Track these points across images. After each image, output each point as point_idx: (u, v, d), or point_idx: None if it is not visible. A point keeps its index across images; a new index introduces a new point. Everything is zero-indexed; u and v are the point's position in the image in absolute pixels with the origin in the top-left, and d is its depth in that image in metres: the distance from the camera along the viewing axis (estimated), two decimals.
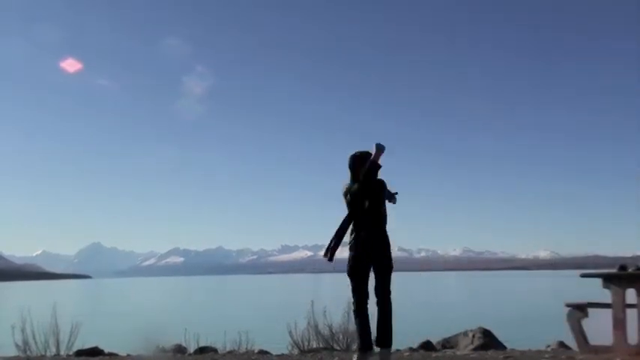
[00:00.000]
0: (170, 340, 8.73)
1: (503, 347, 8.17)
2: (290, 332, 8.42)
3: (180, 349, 8.55)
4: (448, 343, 8.60)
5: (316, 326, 8.37)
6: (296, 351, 8.12)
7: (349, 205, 5.19)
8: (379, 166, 5.06)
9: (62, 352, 8.18)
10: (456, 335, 8.72)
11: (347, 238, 5.18)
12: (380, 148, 4.98)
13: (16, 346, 8.24)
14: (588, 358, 5.89)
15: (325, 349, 7.99)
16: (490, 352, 7.22)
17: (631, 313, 5.78)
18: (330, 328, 8.34)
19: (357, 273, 5.14)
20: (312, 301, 8.53)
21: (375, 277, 5.16)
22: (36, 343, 8.21)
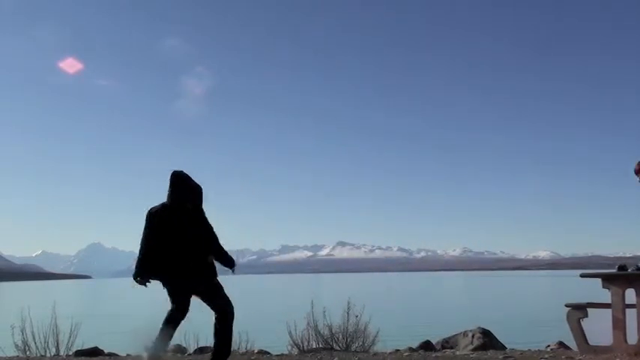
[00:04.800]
0: (170, 340, 8.71)
1: (503, 347, 8.17)
2: (290, 332, 8.42)
3: (180, 349, 8.55)
4: (448, 343, 8.60)
5: (316, 326, 8.37)
6: (296, 351, 8.11)
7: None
8: None
9: (62, 353, 8.17)
10: (456, 335, 8.72)
11: None
12: None
13: (16, 346, 8.23)
14: (588, 359, 5.89)
15: (325, 349, 7.99)
16: (490, 353, 7.22)
17: (631, 313, 5.79)
18: (330, 328, 8.35)
19: None
20: (312, 301, 8.54)
21: None
22: (36, 343, 8.20)
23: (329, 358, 6.83)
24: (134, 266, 5.24)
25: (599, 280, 6.06)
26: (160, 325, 5.33)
